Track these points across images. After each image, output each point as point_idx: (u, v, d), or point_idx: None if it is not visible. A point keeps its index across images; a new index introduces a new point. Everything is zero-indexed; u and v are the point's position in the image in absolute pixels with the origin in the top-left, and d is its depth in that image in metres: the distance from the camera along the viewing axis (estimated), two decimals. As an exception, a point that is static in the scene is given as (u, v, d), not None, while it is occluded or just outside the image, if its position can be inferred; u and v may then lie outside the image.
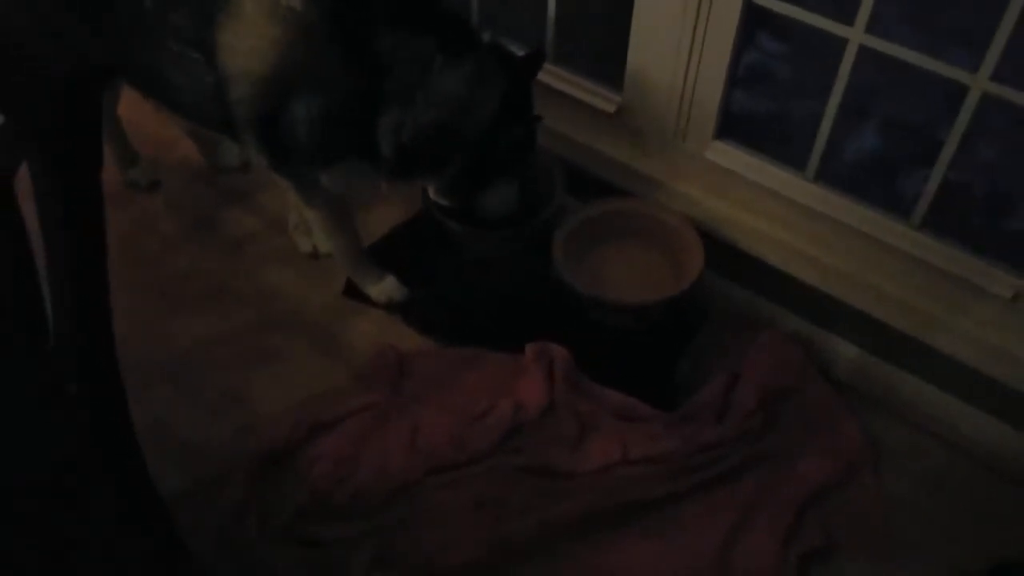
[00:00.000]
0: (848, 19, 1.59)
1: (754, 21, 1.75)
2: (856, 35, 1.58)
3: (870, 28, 1.57)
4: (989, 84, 1.49)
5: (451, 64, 1.61)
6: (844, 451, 1.78)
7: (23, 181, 1.00)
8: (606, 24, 2.02)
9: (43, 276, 1.03)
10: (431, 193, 1.89)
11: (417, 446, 1.75)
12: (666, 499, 1.69)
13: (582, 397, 1.84)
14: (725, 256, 1.91)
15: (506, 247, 2.04)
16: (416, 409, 1.82)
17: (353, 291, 2.03)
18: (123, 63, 1.79)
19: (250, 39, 1.58)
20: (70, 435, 1.01)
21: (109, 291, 0.93)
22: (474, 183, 1.81)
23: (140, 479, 1.08)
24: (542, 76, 1.82)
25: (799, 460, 1.76)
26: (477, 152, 1.71)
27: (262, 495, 1.66)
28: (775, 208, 1.85)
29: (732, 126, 1.90)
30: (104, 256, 0.90)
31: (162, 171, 2.27)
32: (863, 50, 1.60)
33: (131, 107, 2.07)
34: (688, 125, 1.88)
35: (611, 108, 1.97)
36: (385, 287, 1.99)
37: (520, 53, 1.76)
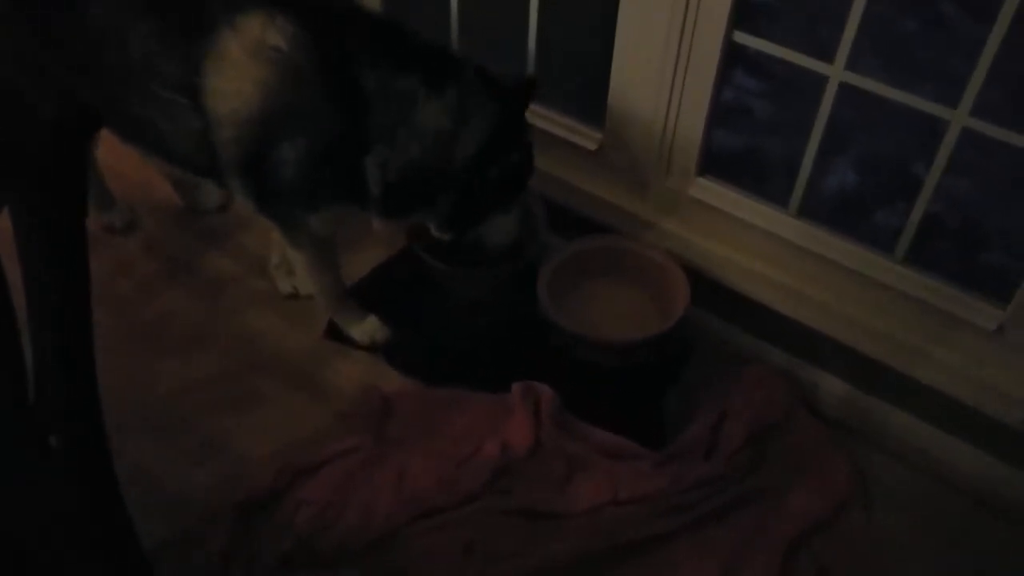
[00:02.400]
0: (821, 55, 1.61)
1: (734, 59, 1.77)
2: (836, 72, 1.60)
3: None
4: (969, 119, 1.50)
5: (434, 97, 1.58)
6: (833, 486, 1.77)
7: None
8: (586, 61, 2.03)
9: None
10: (433, 231, 1.82)
11: (404, 489, 1.72)
12: (657, 539, 1.67)
13: (569, 436, 1.82)
14: (710, 292, 1.91)
15: (490, 286, 2.03)
16: (402, 452, 1.79)
17: (335, 333, 2.01)
18: (106, 110, 1.77)
19: (236, 81, 1.57)
20: (52, 488, 0.99)
21: (93, 339, 0.91)
22: (470, 216, 1.75)
23: (123, 531, 1.05)
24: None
25: (788, 496, 1.75)
26: (468, 185, 1.66)
27: (246, 543, 1.63)
28: (759, 244, 1.85)
29: (714, 163, 1.92)
30: (88, 303, 0.88)
31: (139, 213, 2.25)
32: (842, 86, 1.62)
33: (107, 149, 2.05)
34: (671, 162, 1.88)
35: (592, 145, 1.98)
36: (367, 328, 1.98)
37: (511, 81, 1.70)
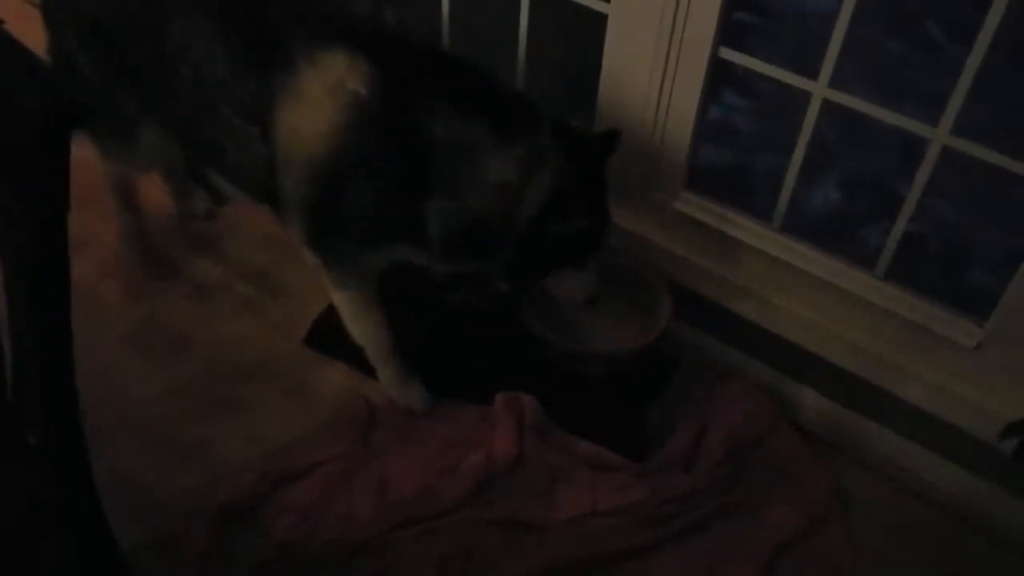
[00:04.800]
0: (808, 73, 1.63)
1: (720, 76, 1.79)
2: (820, 89, 1.62)
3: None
4: (950, 138, 1.52)
5: (500, 148, 1.51)
6: (812, 501, 1.78)
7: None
8: (574, 74, 2.05)
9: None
10: (493, 280, 1.74)
11: (386, 498, 1.72)
12: (637, 550, 1.68)
13: (552, 447, 1.83)
14: (694, 305, 1.92)
15: (476, 297, 2.03)
16: (385, 460, 1.79)
17: (316, 340, 2.01)
18: (176, 129, 1.78)
19: (312, 121, 1.54)
20: (28, 486, 0.99)
21: (72, 338, 0.91)
22: (531, 273, 1.66)
23: (99, 531, 1.05)
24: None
25: (768, 510, 1.76)
26: (529, 243, 1.57)
27: (225, 548, 1.62)
28: (743, 258, 1.87)
29: (700, 178, 1.93)
30: (68, 301, 0.88)
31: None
32: (826, 104, 1.63)
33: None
34: (657, 176, 1.90)
35: (580, 158, 1.98)
36: (411, 391, 1.90)
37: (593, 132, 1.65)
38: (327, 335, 1.99)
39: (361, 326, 1.83)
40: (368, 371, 1.92)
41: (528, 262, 1.62)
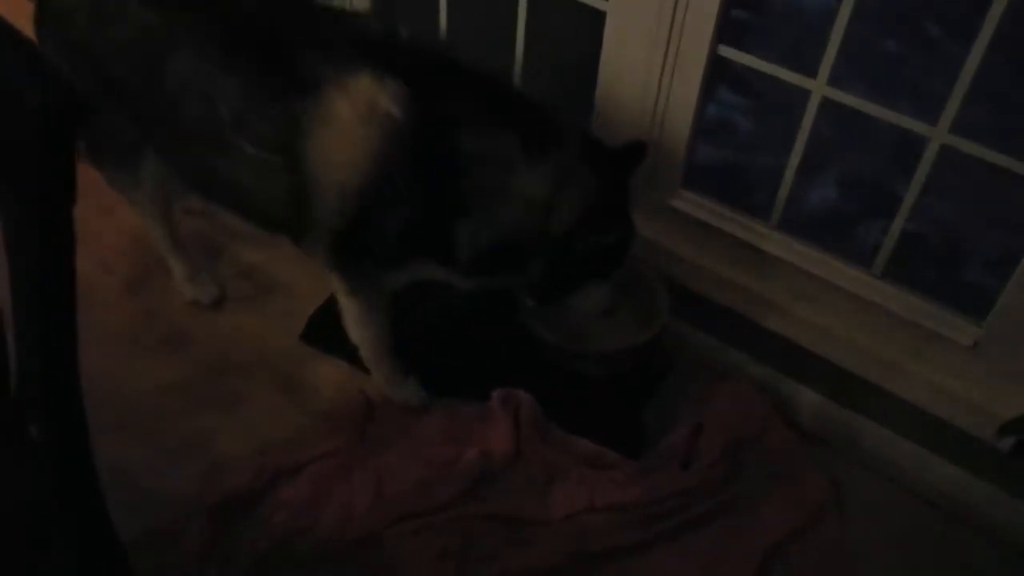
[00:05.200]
0: (807, 72, 1.63)
1: (719, 73, 1.79)
2: (819, 87, 1.62)
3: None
4: (948, 136, 1.53)
5: (531, 164, 1.50)
6: (808, 499, 1.79)
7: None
8: (572, 73, 2.05)
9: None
10: (522, 297, 1.75)
11: (383, 494, 1.73)
12: (633, 547, 1.68)
13: (548, 444, 1.83)
14: (690, 303, 1.93)
15: (473, 294, 2.04)
16: (382, 456, 1.79)
17: (312, 337, 2.01)
18: (179, 162, 1.73)
19: (345, 146, 1.49)
20: (31, 479, 0.99)
21: (77, 332, 0.91)
22: (560, 288, 1.66)
23: (101, 525, 1.05)
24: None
25: (763, 508, 1.76)
26: (560, 258, 1.58)
27: (222, 543, 1.63)
28: (740, 256, 1.87)
29: (699, 176, 1.93)
30: (73, 295, 0.88)
31: (124, 211, 2.24)
32: (825, 102, 1.64)
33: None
34: (654, 174, 1.90)
35: (578, 156, 1.98)
36: (408, 390, 1.90)
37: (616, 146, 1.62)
38: (323, 331, 1.99)
39: (362, 330, 1.82)
40: (365, 367, 1.91)
41: (558, 277, 1.63)
